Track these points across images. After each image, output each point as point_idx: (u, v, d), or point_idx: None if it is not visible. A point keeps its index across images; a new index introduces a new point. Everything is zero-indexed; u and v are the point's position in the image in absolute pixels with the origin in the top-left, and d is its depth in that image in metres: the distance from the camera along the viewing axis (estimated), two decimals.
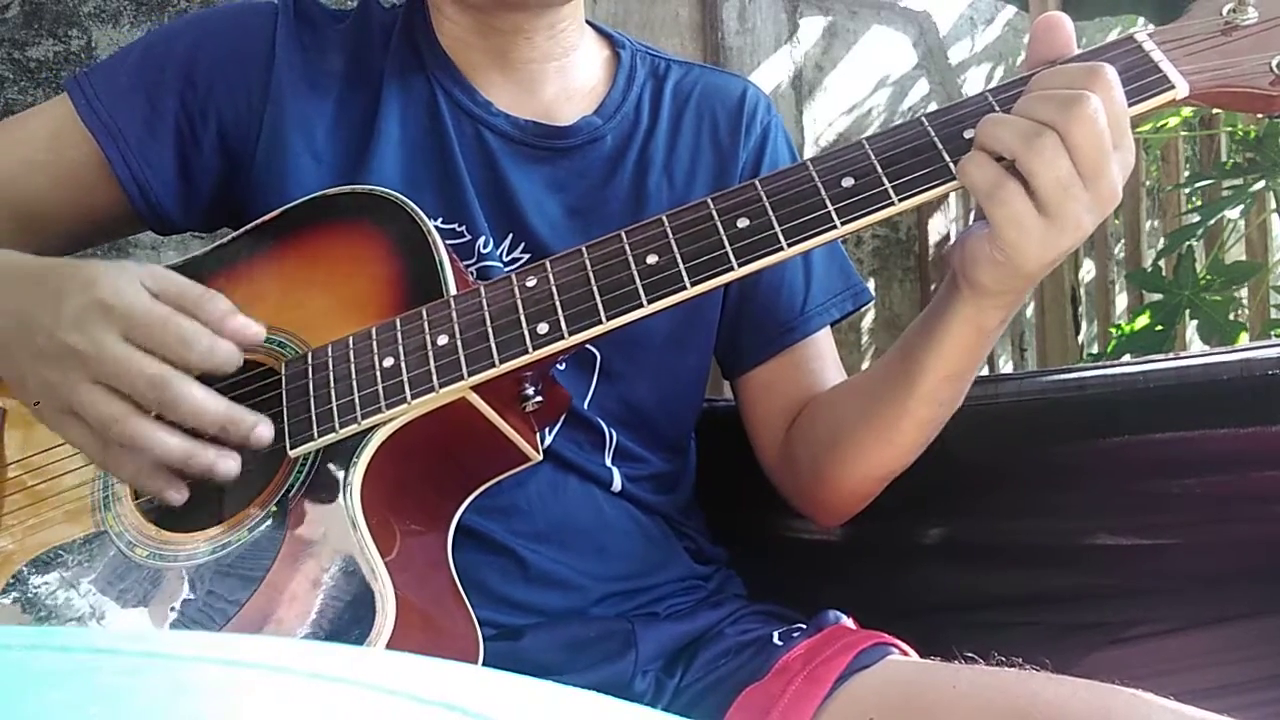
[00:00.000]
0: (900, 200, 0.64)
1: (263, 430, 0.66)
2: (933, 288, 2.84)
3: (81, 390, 0.65)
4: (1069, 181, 0.61)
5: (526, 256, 0.84)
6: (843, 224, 0.65)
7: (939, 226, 2.85)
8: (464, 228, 0.83)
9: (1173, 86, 0.64)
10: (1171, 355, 0.99)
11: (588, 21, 0.94)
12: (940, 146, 0.65)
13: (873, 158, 0.65)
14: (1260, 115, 0.67)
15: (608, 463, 0.86)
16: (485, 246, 0.83)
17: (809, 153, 2.63)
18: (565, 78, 0.90)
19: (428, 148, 0.85)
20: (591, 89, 0.91)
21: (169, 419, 0.65)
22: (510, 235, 0.85)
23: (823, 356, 0.93)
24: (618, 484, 0.86)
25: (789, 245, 0.65)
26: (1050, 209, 0.62)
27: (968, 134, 0.65)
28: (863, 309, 0.96)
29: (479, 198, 0.84)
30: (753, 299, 0.91)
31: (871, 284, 2.81)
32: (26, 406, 0.71)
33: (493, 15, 0.85)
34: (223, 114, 0.85)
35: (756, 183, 0.67)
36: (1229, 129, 2.09)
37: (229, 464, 0.65)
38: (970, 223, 0.70)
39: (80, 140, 0.84)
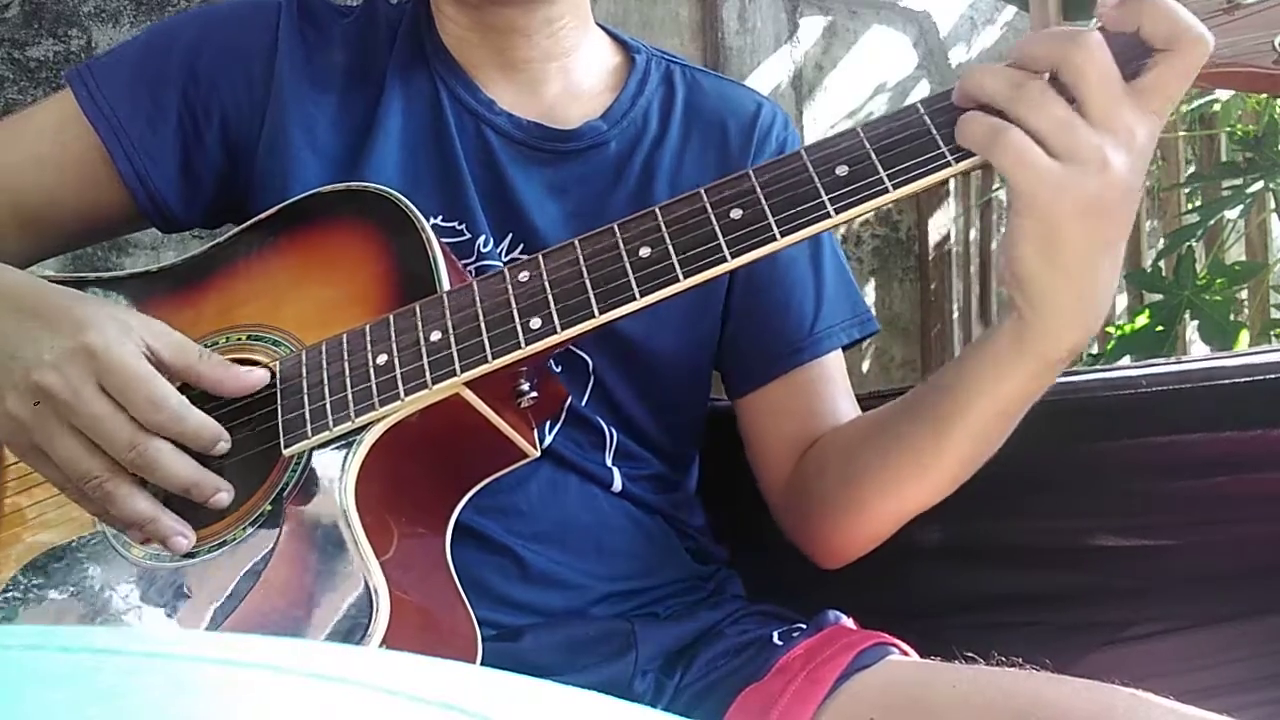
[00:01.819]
0: (895, 188, 0.63)
1: (223, 496, 0.68)
2: (932, 286, 2.84)
3: (58, 438, 0.66)
4: (1068, 119, 0.59)
5: (525, 258, 0.83)
6: (837, 213, 0.63)
7: (939, 226, 2.85)
8: (464, 226, 0.83)
9: None
10: (1173, 360, 0.99)
11: (601, 26, 0.93)
12: (935, 133, 0.63)
13: (867, 145, 0.64)
14: (1265, 95, 0.66)
15: (608, 463, 0.86)
16: (485, 246, 0.83)
17: None
18: (569, 78, 0.89)
19: (429, 144, 0.85)
20: (599, 93, 0.90)
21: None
22: (510, 235, 0.84)
23: (834, 382, 0.90)
24: (618, 484, 0.85)
25: (783, 235, 0.64)
26: (1060, 150, 0.59)
27: None
28: (869, 338, 0.93)
29: (479, 197, 0.84)
30: (759, 316, 0.89)
31: (871, 284, 2.81)
32: None
33: (486, 12, 0.85)
34: (225, 109, 0.85)
35: (750, 172, 0.66)
36: (1228, 129, 2.09)
37: (181, 541, 0.68)
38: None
39: (83, 133, 0.84)
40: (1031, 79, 0.60)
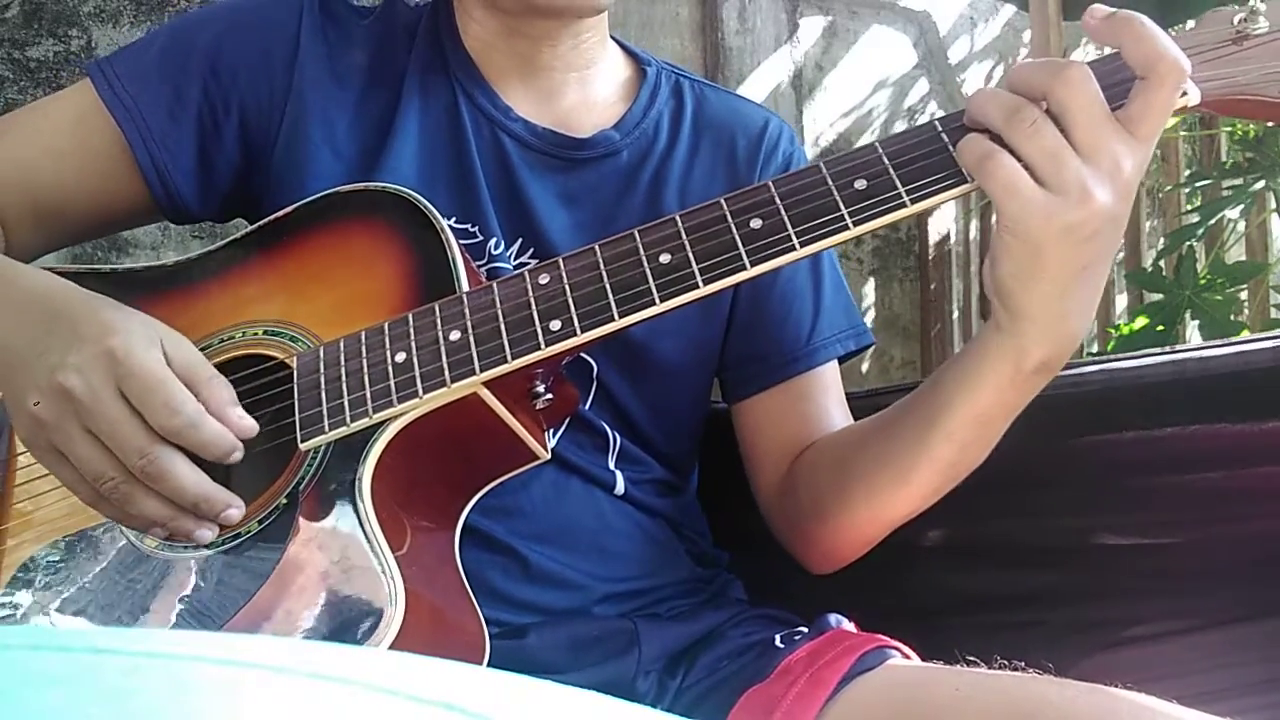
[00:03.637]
0: (913, 202, 0.64)
1: (233, 513, 0.68)
2: (932, 286, 2.84)
3: (75, 440, 0.66)
4: (1056, 150, 0.61)
5: (535, 262, 0.84)
6: (855, 225, 0.65)
7: (939, 226, 2.85)
8: (476, 228, 0.84)
9: (1185, 93, 0.64)
10: (1169, 349, 0.98)
11: (615, 39, 0.94)
12: (953, 150, 0.65)
13: (885, 161, 0.65)
14: (1270, 123, 0.68)
15: (611, 466, 0.86)
16: (496, 248, 0.84)
17: (810, 153, 2.63)
18: (585, 89, 0.90)
19: (445, 147, 0.86)
20: (612, 104, 0.91)
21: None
22: (521, 239, 0.85)
23: (828, 392, 0.91)
24: (621, 487, 0.86)
25: (801, 246, 0.65)
26: (1046, 179, 0.61)
27: None
28: (864, 351, 0.95)
29: (493, 200, 0.85)
30: (759, 325, 0.90)
31: (871, 284, 2.82)
32: (16, 431, 0.71)
33: (521, 20, 0.85)
34: (245, 105, 0.86)
35: (770, 184, 0.67)
36: (1229, 129, 2.10)
37: (206, 534, 0.67)
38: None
39: (103, 125, 0.85)
40: (1027, 106, 0.62)
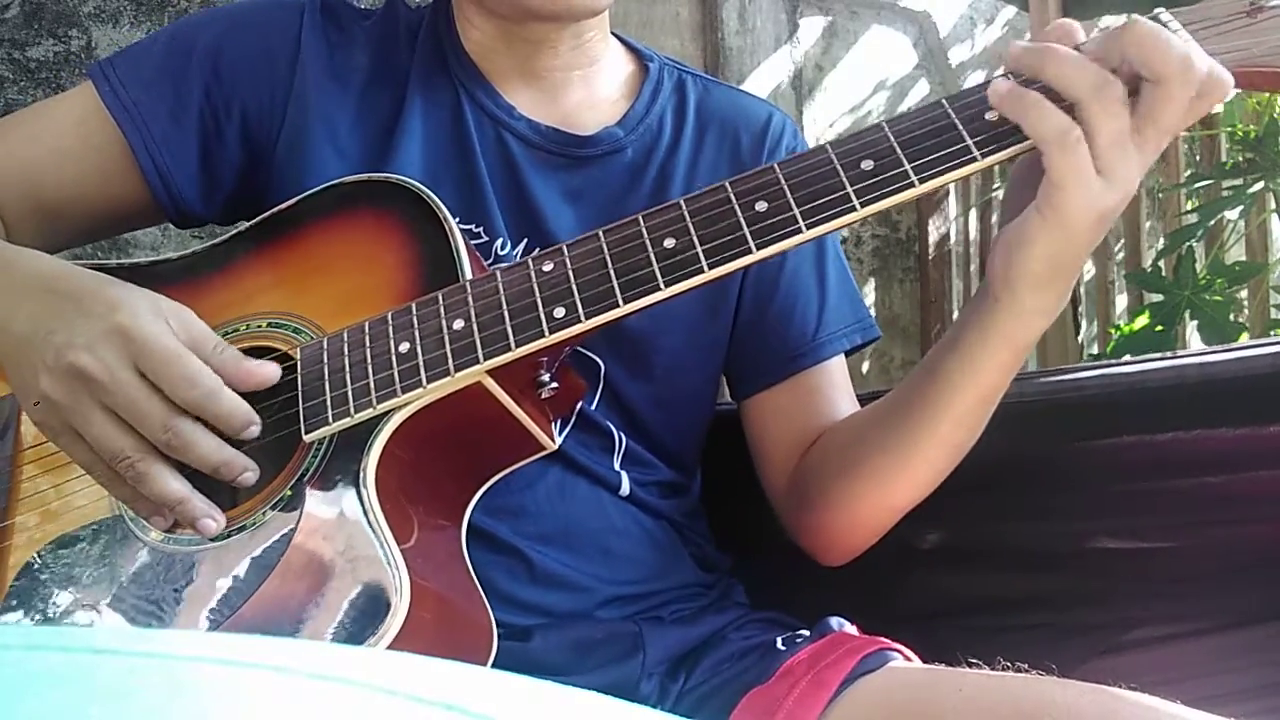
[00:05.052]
0: (921, 182, 0.63)
1: (249, 476, 0.68)
2: (932, 286, 2.84)
3: (92, 418, 0.66)
4: (1126, 137, 0.60)
5: (549, 249, 0.84)
6: (862, 206, 0.64)
7: (939, 226, 2.85)
8: (481, 229, 0.84)
9: None
10: (1169, 355, 0.98)
11: (616, 35, 0.94)
12: (961, 128, 0.64)
13: (892, 140, 0.64)
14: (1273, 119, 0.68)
15: (616, 467, 0.86)
16: (503, 248, 0.84)
17: None
18: (589, 87, 0.90)
19: (449, 148, 0.86)
20: (615, 100, 0.91)
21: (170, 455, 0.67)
22: (526, 239, 0.85)
23: (835, 386, 0.91)
24: (626, 488, 0.86)
25: (808, 228, 0.64)
26: (1104, 163, 0.61)
27: (989, 115, 0.63)
28: (870, 344, 0.95)
29: (498, 200, 0.85)
30: (765, 322, 0.90)
31: (871, 284, 2.81)
32: (27, 414, 0.71)
33: (520, 25, 0.85)
34: (246, 107, 0.86)
35: (775, 166, 0.66)
36: (1229, 129, 2.09)
37: (210, 524, 0.67)
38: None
39: (105, 127, 0.85)
40: (1115, 83, 0.60)
